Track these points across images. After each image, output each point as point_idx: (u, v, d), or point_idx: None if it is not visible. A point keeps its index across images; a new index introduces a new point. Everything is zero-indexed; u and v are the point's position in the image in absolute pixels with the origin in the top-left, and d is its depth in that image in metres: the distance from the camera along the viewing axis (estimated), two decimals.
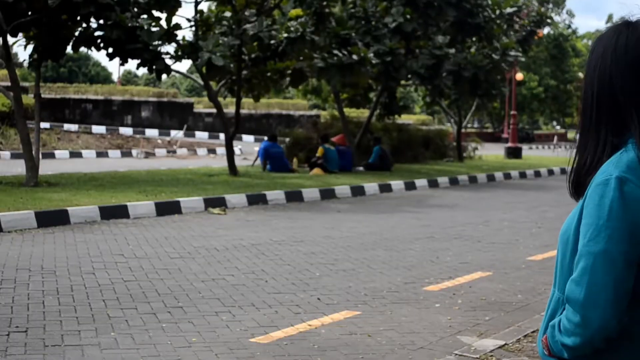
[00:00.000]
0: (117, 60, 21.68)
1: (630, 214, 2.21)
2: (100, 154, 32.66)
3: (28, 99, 27.66)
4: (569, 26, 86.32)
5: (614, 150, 2.33)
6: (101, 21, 18.49)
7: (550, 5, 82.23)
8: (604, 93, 2.33)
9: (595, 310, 2.21)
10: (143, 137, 41.08)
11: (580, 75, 73.24)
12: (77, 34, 18.68)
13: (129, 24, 18.41)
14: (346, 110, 32.25)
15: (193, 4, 22.01)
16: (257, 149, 26.38)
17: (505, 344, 6.97)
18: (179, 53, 20.92)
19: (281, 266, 10.21)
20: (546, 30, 62.82)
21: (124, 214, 14.15)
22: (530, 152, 48.93)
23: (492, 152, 40.96)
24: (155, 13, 20.37)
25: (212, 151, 36.71)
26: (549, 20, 38.68)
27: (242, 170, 23.22)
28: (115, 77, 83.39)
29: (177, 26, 20.07)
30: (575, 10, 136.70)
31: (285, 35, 21.99)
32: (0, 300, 7.92)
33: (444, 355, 6.65)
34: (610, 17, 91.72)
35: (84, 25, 18.67)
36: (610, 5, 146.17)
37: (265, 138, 25.88)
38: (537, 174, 29.61)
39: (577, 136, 2.41)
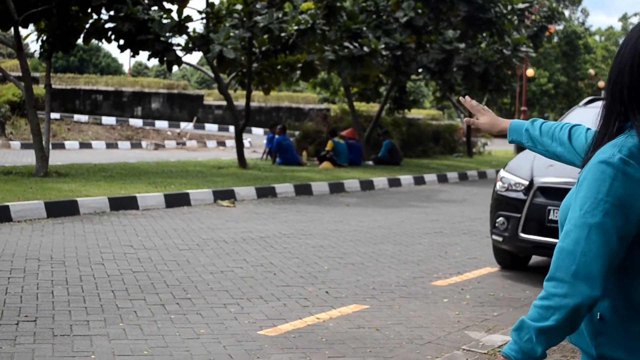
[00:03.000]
0: (128, 51, 21.71)
1: (629, 194, 2.29)
2: (110, 145, 32.72)
3: (39, 89, 27.71)
4: (583, 24, 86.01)
5: (618, 133, 2.42)
6: (112, 13, 18.52)
7: (567, 3, 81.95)
8: (618, 82, 2.42)
9: (587, 279, 2.28)
10: (153, 128, 41.14)
11: (592, 72, 73.11)
12: (88, 25, 18.70)
13: (140, 17, 18.42)
14: (356, 104, 32.21)
15: None
16: (265, 141, 26.36)
17: None
18: (190, 45, 20.93)
19: (290, 259, 10.22)
20: (560, 27, 62.57)
21: (133, 205, 14.18)
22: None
23: (501, 148, 40.89)
24: (167, 5, 20.40)
25: (221, 143, 36.73)
26: (560, 16, 38.52)
27: (252, 163, 23.23)
28: (125, 68, 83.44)
29: (188, 18, 20.07)
30: (585, 4, 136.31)
31: (296, 27, 21.97)
32: (10, 290, 7.95)
33: (451, 350, 6.65)
34: (624, 16, 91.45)
35: (95, 16, 18.70)
36: (620, 2, 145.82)
37: (270, 130, 25.86)
38: None
39: (599, 123, 2.51)
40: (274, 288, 8.60)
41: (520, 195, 9.45)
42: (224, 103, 39.07)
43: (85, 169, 19.17)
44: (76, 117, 41.35)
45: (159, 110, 46.62)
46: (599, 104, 8.33)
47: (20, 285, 8.15)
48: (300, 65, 24.37)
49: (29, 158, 22.79)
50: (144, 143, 33.72)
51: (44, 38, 18.38)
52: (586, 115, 9.01)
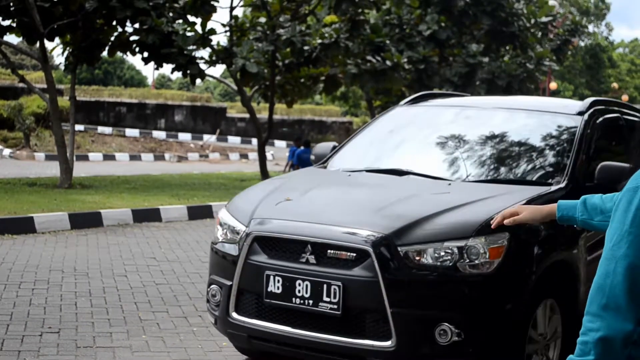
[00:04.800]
0: (151, 64, 21.85)
1: None
2: (133, 157, 32.86)
3: (63, 101, 27.88)
4: (607, 38, 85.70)
5: None
6: (137, 25, 18.64)
7: (592, 17, 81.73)
8: None
9: (616, 314, 2.28)
10: (176, 140, 41.30)
11: (615, 85, 72.75)
12: (112, 38, 18.84)
13: (165, 29, 18.54)
14: None
15: (228, 10, 22.13)
16: (287, 154, 26.41)
17: None
18: (213, 58, 21.02)
19: None
20: (584, 42, 62.37)
21: (157, 217, 14.22)
22: None
23: None
24: (191, 18, 20.50)
25: (244, 156, 36.82)
26: (584, 30, 38.40)
27: (274, 176, 23.23)
28: (149, 80, 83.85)
29: (212, 31, 20.16)
30: (608, 18, 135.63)
31: (319, 41, 22.02)
32: (34, 301, 8.00)
33: None
34: None
35: (120, 29, 18.83)
36: None
37: (294, 143, 25.92)
38: None
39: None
40: None
41: (234, 250, 5.83)
42: (247, 116, 39.17)
43: (108, 181, 19.26)
44: (100, 129, 41.58)
45: (182, 123, 46.80)
46: (430, 102, 7.59)
47: (44, 297, 8.19)
48: (323, 78, 24.41)
49: (53, 170, 22.93)
50: (167, 155, 33.86)
51: (69, 50, 18.52)
52: (405, 116, 7.37)
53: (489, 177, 6.27)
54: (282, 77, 23.36)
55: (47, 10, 17.30)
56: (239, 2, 22.87)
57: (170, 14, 19.34)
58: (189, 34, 19.32)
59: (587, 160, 6.31)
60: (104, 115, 45.24)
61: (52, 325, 7.15)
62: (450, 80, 26.97)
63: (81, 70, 68.43)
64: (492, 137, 6.70)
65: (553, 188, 5.96)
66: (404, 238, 5.25)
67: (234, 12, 22.63)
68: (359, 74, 23.20)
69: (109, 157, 31.87)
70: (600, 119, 6.83)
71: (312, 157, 7.45)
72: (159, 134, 43.25)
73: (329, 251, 5.35)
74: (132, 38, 18.89)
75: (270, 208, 5.84)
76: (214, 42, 20.70)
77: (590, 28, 77.48)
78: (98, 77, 75.15)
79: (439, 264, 5.20)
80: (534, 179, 6.29)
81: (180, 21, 19.78)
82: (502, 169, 6.45)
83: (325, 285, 5.28)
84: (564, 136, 6.56)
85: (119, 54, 20.46)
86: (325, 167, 6.99)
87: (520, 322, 5.36)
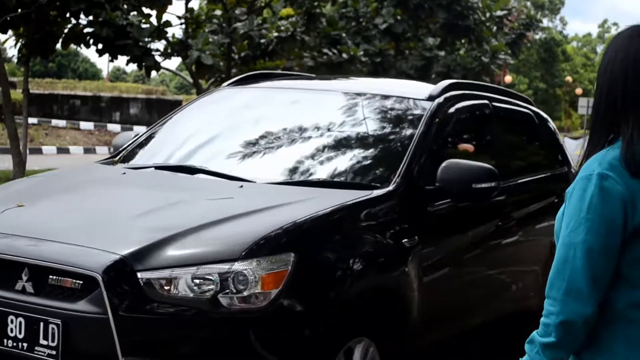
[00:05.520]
0: (106, 56, 21.67)
1: (608, 208, 2.36)
2: (88, 150, 32.60)
3: (16, 94, 27.58)
4: (561, 32, 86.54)
5: (604, 146, 2.49)
6: (91, 18, 18.46)
7: (546, 12, 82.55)
8: (611, 95, 2.44)
9: (577, 298, 2.37)
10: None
11: (569, 79, 73.54)
12: (66, 30, 18.63)
13: (119, 22, 18.38)
14: None
15: (184, 2, 21.98)
16: None
17: None
18: (169, 50, 20.89)
19: None
20: (539, 35, 63.04)
21: None
22: None
23: None
24: (146, 10, 20.34)
25: None
26: (539, 24, 38.78)
27: None
28: (104, 73, 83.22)
29: (168, 23, 20.00)
30: (562, 13, 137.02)
31: (276, 34, 21.98)
32: None
33: None
34: (604, 23, 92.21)
35: (74, 21, 18.63)
36: (596, 9, 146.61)
37: None
38: None
39: (589, 134, 2.55)
40: None
41: None
42: None
43: None
44: (54, 122, 41.14)
45: (137, 116, 46.47)
46: (260, 83, 6.25)
47: None
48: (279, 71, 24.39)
49: (6, 163, 22.60)
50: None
51: (22, 43, 18.29)
52: (224, 100, 6.22)
53: (298, 178, 5.01)
54: (238, 70, 23.27)
55: (0, 2, 17.07)
56: None
57: (125, 6, 19.17)
58: (144, 26, 19.17)
59: (434, 157, 5.13)
60: (57, 108, 44.77)
61: None
62: (406, 73, 27.03)
63: (34, 63, 67.69)
64: (318, 126, 5.50)
65: (376, 193, 4.74)
66: (147, 261, 3.89)
67: (190, 5, 22.50)
68: (316, 67, 23.18)
69: (63, 150, 31.58)
70: (459, 105, 5.72)
71: (112, 149, 6.32)
72: (114, 127, 42.90)
73: (50, 277, 3.97)
74: (86, 30, 18.69)
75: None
76: (169, 35, 20.57)
77: (545, 22, 78.28)
78: (52, 70, 74.40)
79: (194, 296, 3.85)
80: (357, 180, 5.05)
81: (135, 13, 19.61)
82: (319, 168, 5.17)
83: (42, 323, 3.90)
84: (406, 126, 5.39)
85: (73, 46, 20.23)
86: (114, 162, 5.69)
87: None
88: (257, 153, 5.39)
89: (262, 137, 5.49)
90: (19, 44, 18.44)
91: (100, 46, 18.90)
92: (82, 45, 19.14)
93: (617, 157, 2.40)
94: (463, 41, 30.29)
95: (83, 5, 17.57)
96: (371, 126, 5.43)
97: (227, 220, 4.23)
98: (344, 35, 24.01)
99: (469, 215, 5.48)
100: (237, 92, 6.27)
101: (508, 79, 49.93)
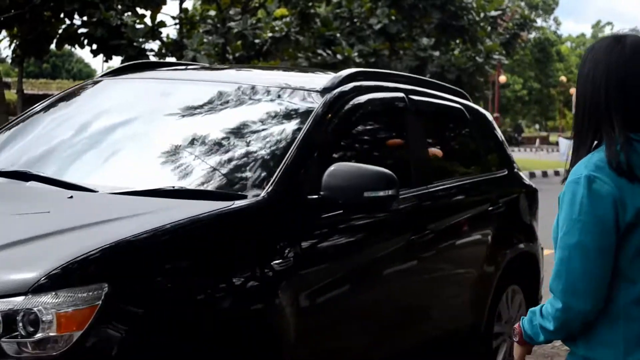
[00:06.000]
0: (100, 56, 21.66)
1: (599, 208, 2.44)
2: None
3: (11, 95, 27.54)
4: (555, 32, 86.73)
5: (590, 150, 2.58)
6: (85, 18, 18.46)
7: (540, 12, 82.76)
8: (594, 102, 2.55)
9: (574, 297, 2.47)
10: None
11: (564, 79, 73.65)
12: (60, 30, 18.64)
13: (114, 22, 18.38)
14: None
15: (178, 2, 22.00)
16: None
17: None
18: (163, 50, 20.88)
19: None
20: (532, 35, 63.18)
21: None
22: (513, 155, 48.75)
23: None
24: (140, 10, 20.35)
25: None
26: (533, 24, 38.87)
27: None
28: (98, 73, 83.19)
29: (162, 24, 20.02)
30: (555, 13, 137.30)
31: (270, 34, 22.00)
32: None
33: None
34: (597, 23, 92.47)
35: (68, 22, 18.63)
36: (589, 10, 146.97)
37: None
38: None
39: (572, 139, 2.66)
40: None
41: None
42: None
43: None
44: None
45: None
46: (140, 73, 5.19)
47: None
48: None
49: None
50: None
51: (17, 43, 18.30)
52: (97, 93, 5.18)
53: (149, 187, 3.97)
54: None
55: None
56: None
57: (119, 7, 19.18)
58: (138, 26, 19.18)
59: (323, 161, 4.17)
60: None
61: None
62: None
63: (29, 64, 67.66)
64: (187, 124, 4.59)
65: (238, 204, 3.79)
66: None
67: (184, 5, 22.50)
68: (309, 68, 23.23)
69: None
70: (362, 98, 4.71)
71: None
72: None
73: None
74: (81, 31, 18.70)
75: None
76: (163, 35, 20.58)
77: (539, 22, 78.41)
78: (46, 71, 74.36)
79: None
80: (221, 188, 4.03)
81: (129, 13, 19.62)
82: (178, 174, 4.20)
83: None
84: (291, 123, 4.40)
85: (67, 46, 20.24)
86: None
87: None
88: (111, 156, 4.44)
89: (120, 136, 4.57)
90: (13, 45, 18.45)
91: (94, 46, 18.91)
92: (76, 46, 19.16)
93: (602, 159, 2.48)
94: (457, 41, 30.34)
95: (77, 5, 17.59)
96: (250, 123, 4.45)
97: (24, 242, 3.24)
98: (338, 35, 24.06)
99: (367, 229, 4.51)
100: (107, 84, 5.20)
101: (502, 79, 50.03)
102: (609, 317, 2.51)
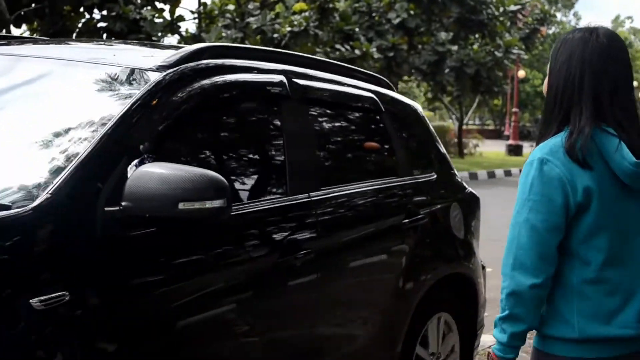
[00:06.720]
0: None
1: (547, 189, 2.59)
2: None
3: None
4: (575, 27, 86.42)
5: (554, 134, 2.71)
6: (104, 12, 18.53)
7: (560, 6, 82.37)
8: (567, 92, 2.66)
9: (523, 271, 2.61)
10: None
11: None
12: (80, 25, 18.71)
13: (132, 16, 18.44)
14: None
15: None
16: None
17: None
18: (182, 45, 20.93)
19: None
20: (552, 30, 62.83)
21: None
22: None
23: (493, 149, 40.94)
24: (159, 5, 20.40)
25: None
26: (553, 19, 38.71)
27: None
28: None
29: (181, 18, 20.07)
30: (575, 7, 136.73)
31: (289, 29, 22.00)
32: None
33: None
34: (617, 18, 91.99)
35: (87, 16, 18.70)
36: (610, 4, 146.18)
37: None
38: None
39: (539, 127, 2.79)
40: None
41: None
42: None
43: None
44: None
45: None
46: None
47: None
48: None
49: None
50: None
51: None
52: None
53: None
54: None
55: None
56: None
57: (138, 1, 19.23)
58: (157, 20, 19.23)
59: (141, 161, 3.05)
60: None
61: None
62: (419, 68, 27.04)
63: None
64: None
65: None
66: None
67: None
68: None
69: None
70: (214, 81, 3.57)
71: None
72: None
73: None
74: (100, 25, 18.76)
75: None
76: (182, 29, 20.62)
77: (559, 17, 78.02)
78: None
79: None
80: None
81: (149, 8, 19.67)
82: None
83: None
84: (103, 111, 3.24)
85: None
86: None
87: None
88: None
89: None
90: None
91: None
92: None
93: (558, 144, 2.62)
94: (476, 36, 30.25)
95: (96, 0, 17.65)
96: (44, 111, 3.39)
97: None
98: (357, 30, 24.01)
99: (206, 250, 3.34)
100: None
101: (521, 73, 49.79)
102: (565, 296, 2.67)
